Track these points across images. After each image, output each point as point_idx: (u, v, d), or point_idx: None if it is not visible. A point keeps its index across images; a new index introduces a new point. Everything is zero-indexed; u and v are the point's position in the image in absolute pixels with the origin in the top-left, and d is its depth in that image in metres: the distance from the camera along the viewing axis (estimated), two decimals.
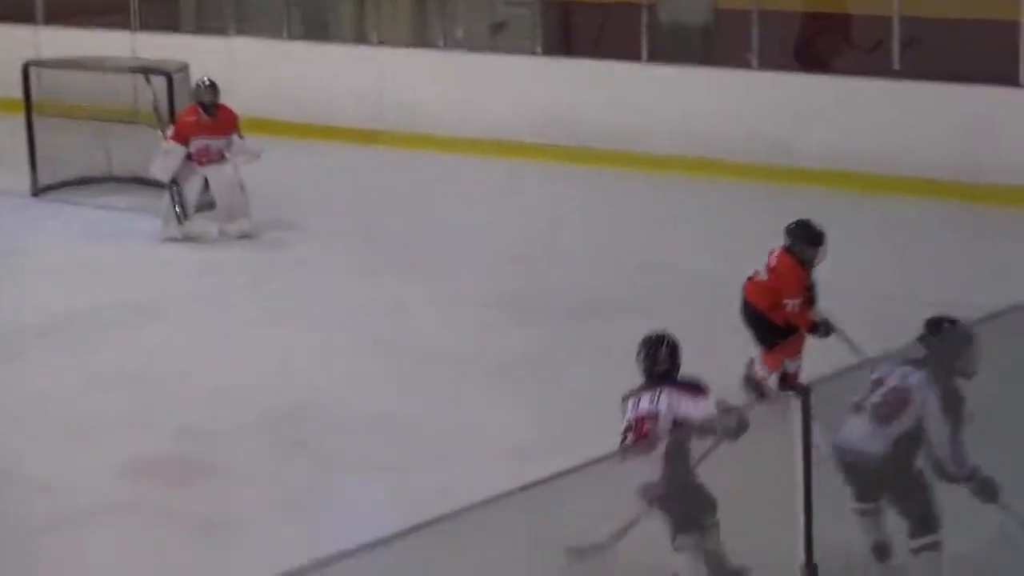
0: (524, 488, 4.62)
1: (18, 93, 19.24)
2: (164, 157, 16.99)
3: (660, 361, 9.76)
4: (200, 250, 16.94)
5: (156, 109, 18.50)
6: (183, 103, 17.78)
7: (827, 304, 12.47)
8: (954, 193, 17.37)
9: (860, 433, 8.82)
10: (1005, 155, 17.32)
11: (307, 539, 9.89)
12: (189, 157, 16.84)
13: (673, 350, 9.82)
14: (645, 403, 9.52)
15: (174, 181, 16.86)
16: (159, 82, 18.47)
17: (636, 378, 9.77)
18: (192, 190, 17.00)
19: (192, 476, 11.68)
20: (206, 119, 16.96)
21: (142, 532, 10.72)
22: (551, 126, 19.78)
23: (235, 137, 17.08)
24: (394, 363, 13.59)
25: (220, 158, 16.96)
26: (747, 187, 18.27)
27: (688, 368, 9.67)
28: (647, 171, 18.88)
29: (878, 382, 8.89)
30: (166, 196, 17.00)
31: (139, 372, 13.58)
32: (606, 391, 10.98)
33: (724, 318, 12.62)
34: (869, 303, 13.92)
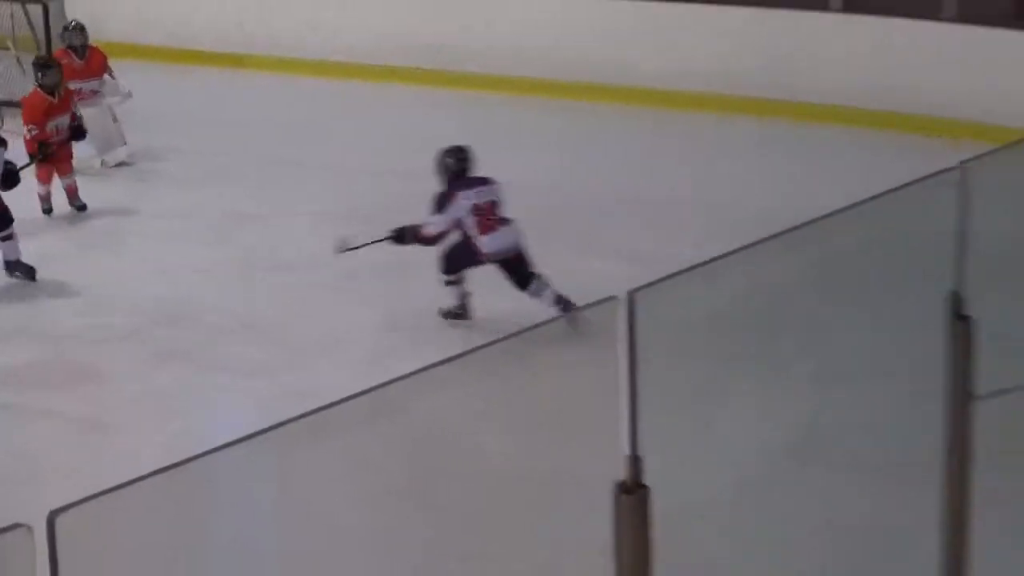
0: (380, 386, 4.61)
1: None
2: None
3: (471, 162, 12.58)
4: (80, 173, 16.73)
5: (34, 35, 18.24)
6: (58, 28, 17.55)
7: (666, 214, 12.56)
8: (769, 111, 17.50)
9: None
10: (814, 75, 17.48)
11: (180, 438, 9.90)
12: None
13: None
14: (488, 194, 12.40)
15: None
16: (35, 10, 18.22)
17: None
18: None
19: (72, 380, 11.61)
20: (78, 63, 16.69)
21: (24, 433, 10.69)
22: (412, 49, 19.66)
23: (107, 78, 16.92)
24: (259, 274, 13.56)
25: (92, 96, 16.72)
26: (585, 107, 18.32)
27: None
28: (500, 92, 18.83)
29: None
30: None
31: (20, 283, 13.45)
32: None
33: (555, 220, 12.86)
34: (697, 213, 14.04)
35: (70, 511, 2.78)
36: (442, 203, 12.33)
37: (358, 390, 4.42)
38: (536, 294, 12.04)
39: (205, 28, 20.79)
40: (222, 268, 13.70)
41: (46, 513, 2.87)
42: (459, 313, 12.39)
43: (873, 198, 4.80)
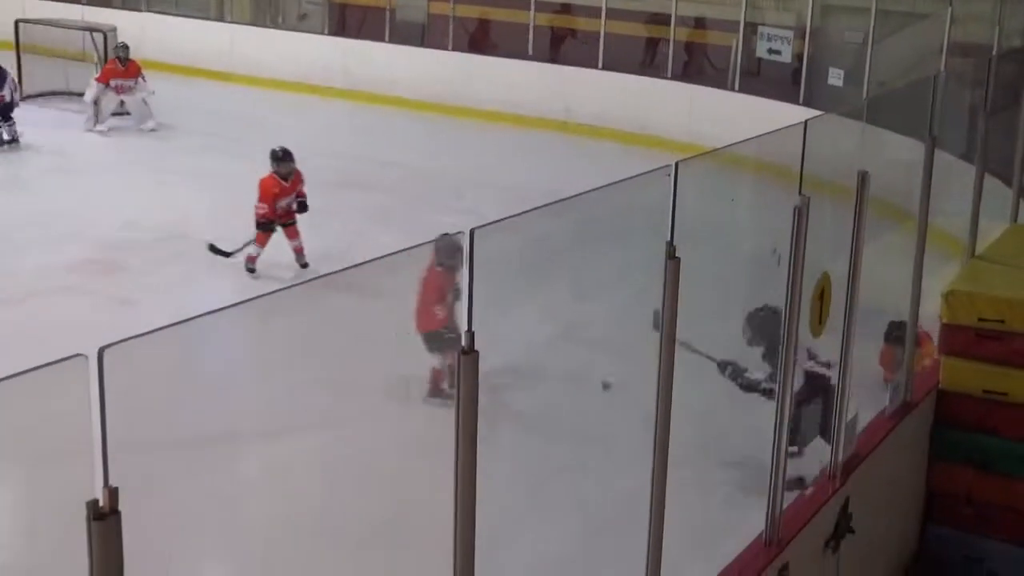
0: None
1: (12, 39, 18.29)
2: (90, 89, 16.81)
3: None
4: (121, 136, 16.52)
5: (96, 52, 18.02)
6: (111, 51, 17.43)
7: (487, 191, 12.51)
8: (558, 128, 17.55)
9: None
10: (584, 104, 17.54)
11: (177, 310, 9.72)
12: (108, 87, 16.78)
13: None
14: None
15: (96, 101, 16.68)
16: (99, 37, 18.04)
17: None
18: (108, 107, 16.81)
19: (110, 271, 11.38)
20: (121, 68, 16.84)
21: (80, 304, 10.44)
22: (332, 75, 19.46)
23: (140, 80, 16.91)
24: (223, 213, 13.16)
25: (130, 90, 16.83)
26: (424, 114, 18.20)
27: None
28: (397, 107, 18.62)
29: None
30: (91, 109, 16.74)
31: (74, 208, 13.18)
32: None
33: (423, 190, 12.70)
34: (505, 190, 13.95)
35: (115, 347, 2.69)
36: None
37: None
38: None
39: (205, 55, 20.45)
40: (206, 205, 13.46)
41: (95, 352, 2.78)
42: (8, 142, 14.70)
43: (620, 181, 4.79)
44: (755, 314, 7.14)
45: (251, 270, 11.38)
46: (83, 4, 20.98)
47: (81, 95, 17.08)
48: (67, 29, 18.69)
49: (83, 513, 2.69)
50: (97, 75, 16.97)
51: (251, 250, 11.41)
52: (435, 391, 7.82)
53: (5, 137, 15.33)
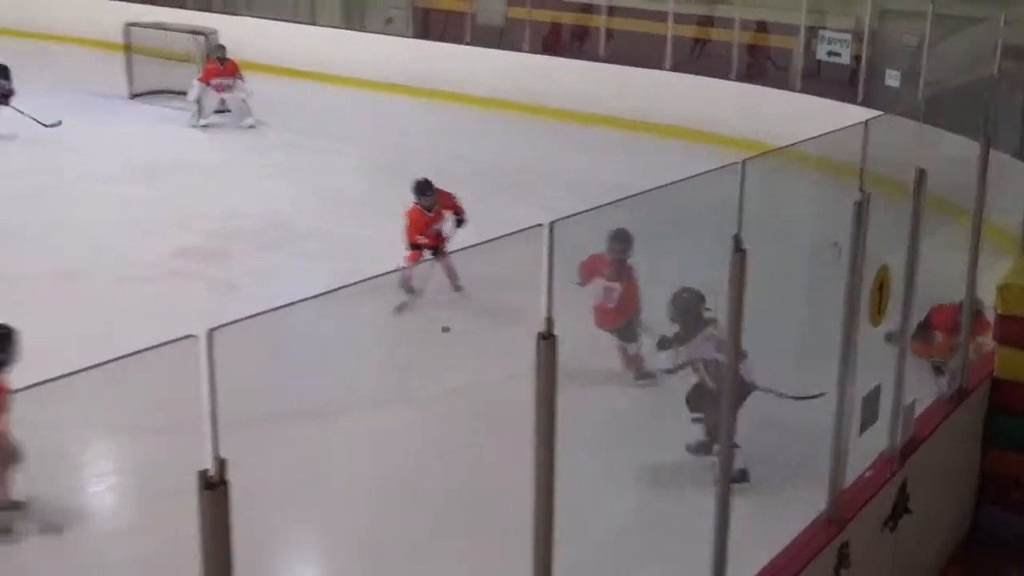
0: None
1: (121, 41, 18.55)
2: (193, 88, 16.93)
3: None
4: (222, 132, 16.63)
5: (199, 53, 18.20)
6: (212, 52, 17.54)
7: (564, 185, 12.47)
8: (626, 125, 17.43)
9: None
10: (659, 105, 17.41)
11: (276, 294, 9.79)
12: (209, 86, 16.90)
13: None
14: None
15: (198, 100, 16.84)
16: (201, 39, 18.18)
17: None
18: (210, 105, 16.94)
19: (215, 257, 11.49)
20: (219, 67, 16.97)
21: (185, 287, 10.56)
22: (412, 75, 19.50)
23: (238, 80, 17.05)
24: (315, 203, 13.25)
25: (230, 88, 16.95)
26: (498, 112, 18.13)
27: None
28: (476, 106, 18.59)
29: None
30: (194, 106, 16.88)
31: (183, 200, 13.30)
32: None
33: (501, 183, 12.60)
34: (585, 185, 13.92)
35: (223, 329, 2.73)
36: None
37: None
38: None
39: (295, 55, 20.59)
40: (303, 198, 13.55)
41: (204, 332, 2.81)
42: None
43: (689, 177, 4.77)
44: (679, 295, 7.12)
45: (409, 290, 9.85)
46: (187, 9, 21.23)
47: (184, 94, 17.26)
48: (172, 32, 18.88)
49: (195, 483, 2.72)
50: (199, 75, 17.11)
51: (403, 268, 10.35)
52: (640, 373, 7.91)
53: None
